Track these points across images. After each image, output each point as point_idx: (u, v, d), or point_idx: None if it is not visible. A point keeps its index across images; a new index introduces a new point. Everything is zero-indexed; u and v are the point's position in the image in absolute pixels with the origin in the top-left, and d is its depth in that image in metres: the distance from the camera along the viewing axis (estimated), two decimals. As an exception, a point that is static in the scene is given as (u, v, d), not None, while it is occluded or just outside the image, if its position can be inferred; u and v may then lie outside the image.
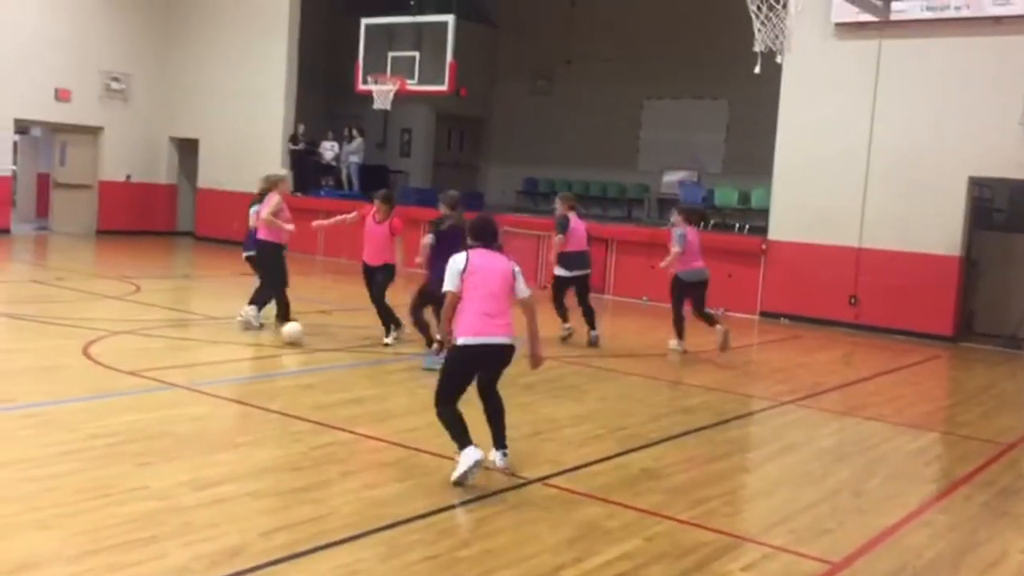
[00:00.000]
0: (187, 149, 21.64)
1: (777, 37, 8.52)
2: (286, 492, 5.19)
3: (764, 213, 15.38)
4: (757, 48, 8.50)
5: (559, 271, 11.08)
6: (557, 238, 11.05)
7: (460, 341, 5.57)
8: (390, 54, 16.07)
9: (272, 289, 10.39)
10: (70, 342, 8.86)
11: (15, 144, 20.03)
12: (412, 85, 15.87)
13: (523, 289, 5.83)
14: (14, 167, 20.13)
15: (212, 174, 20.98)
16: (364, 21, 16.46)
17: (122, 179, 21.03)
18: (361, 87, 16.38)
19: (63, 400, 6.84)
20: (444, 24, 15.38)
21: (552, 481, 5.67)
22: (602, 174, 21.87)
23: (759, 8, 8.48)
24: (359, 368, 8.95)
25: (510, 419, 5.95)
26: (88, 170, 20.74)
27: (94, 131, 20.65)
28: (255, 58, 20.17)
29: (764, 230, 14.96)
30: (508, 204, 21.99)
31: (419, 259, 9.21)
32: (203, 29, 21.05)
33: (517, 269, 5.86)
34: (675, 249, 10.45)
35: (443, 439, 6.35)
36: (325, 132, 21.58)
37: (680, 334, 10.69)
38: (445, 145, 24.13)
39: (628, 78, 21.28)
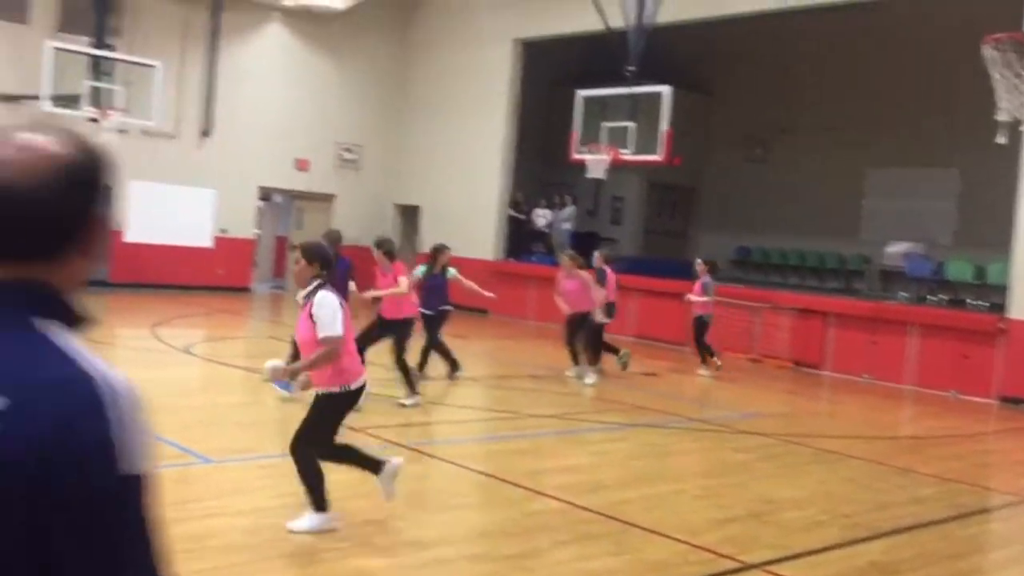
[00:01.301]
0: (409, 215, 22.80)
1: (1023, 105, 7.97)
2: (500, 558, 5.24)
3: (1001, 289, 14.28)
4: (1001, 117, 7.98)
5: (603, 318, 12.27)
6: (601, 292, 12.20)
7: (354, 384, 5.48)
8: (605, 124, 16.31)
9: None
10: (301, 397, 9.41)
11: (258, 209, 21.83)
12: (626, 155, 16.00)
13: None
14: (257, 231, 21.91)
15: (432, 239, 21.91)
16: (580, 93, 16.84)
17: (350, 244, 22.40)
18: (575, 156, 16.71)
19: (295, 452, 7.26)
20: (659, 94, 15.49)
21: (775, 568, 5.41)
22: (819, 244, 21.11)
23: (1002, 75, 7.98)
24: (570, 435, 8.98)
25: (725, 498, 5.77)
26: (321, 234, 22.21)
27: (328, 198, 22.19)
28: (475, 129, 21.08)
29: (1001, 307, 13.88)
30: (720, 274, 21.55)
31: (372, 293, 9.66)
32: (429, 103, 22.26)
33: None
34: (707, 299, 13.27)
35: (656, 514, 6.24)
36: (538, 199, 22.14)
37: (705, 360, 13.29)
38: (656, 213, 24.11)
39: (849, 145, 20.56)
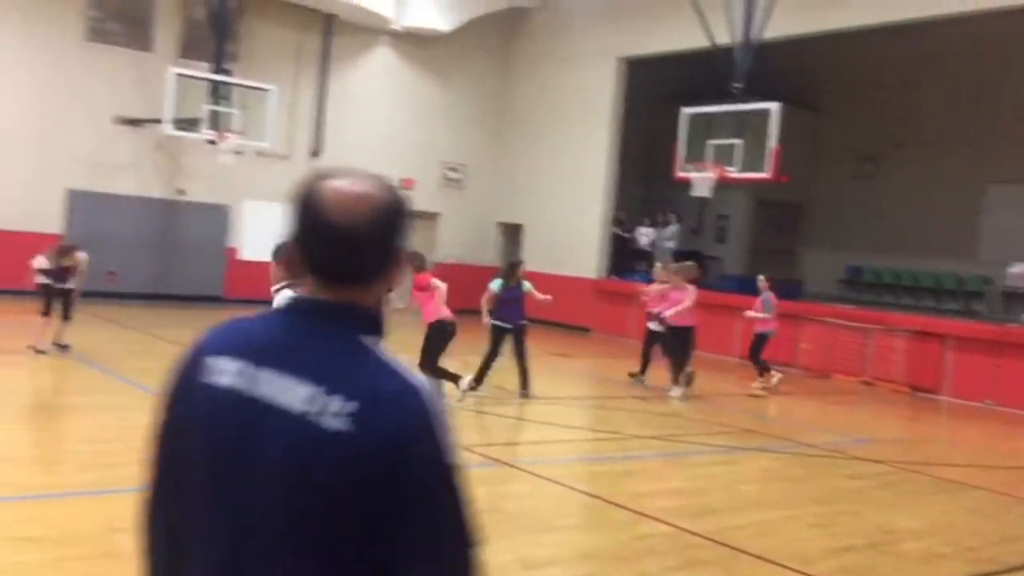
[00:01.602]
0: (512, 233, 22.95)
1: None
2: (609, 581, 5.20)
3: None
4: None
5: (656, 327, 12.68)
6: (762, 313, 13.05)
7: None
8: (710, 142, 16.10)
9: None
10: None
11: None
12: (732, 172, 15.75)
13: None
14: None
15: (535, 257, 22.02)
16: (685, 110, 16.67)
17: (454, 261, 22.71)
18: (680, 174, 16.53)
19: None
20: (767, 111, 15.21)
21: (893, 601, 5.22)
22: (934, 263, 20.34)
23: None
24: (675, 457, 8.86)
25: (840, 527, 5.59)
26: (425, 252, 22.54)
27: (432, 217, 22.52)
28: (578, 148, 21.12)
29: None
30: (829, 293, 21.04)
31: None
32: (532, 122, 22.42)
33: None
34: (765, 315, 13.13)
35: (768, 541, 6.10)
36: (641, 218, 22.00)
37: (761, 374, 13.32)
38: (762, 231, 23.65)
39: (966, 160, 19.79)
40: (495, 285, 11.03)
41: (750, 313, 13.42)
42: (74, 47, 17.77)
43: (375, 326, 1.54)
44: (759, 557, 5.71)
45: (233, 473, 1.43)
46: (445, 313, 10.16)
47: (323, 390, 1.41)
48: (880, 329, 15.39)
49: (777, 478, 8.29)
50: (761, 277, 13.69)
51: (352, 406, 1.39)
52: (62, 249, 11.91)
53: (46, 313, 11.34)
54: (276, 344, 1.49)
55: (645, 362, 13.03)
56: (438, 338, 10.14)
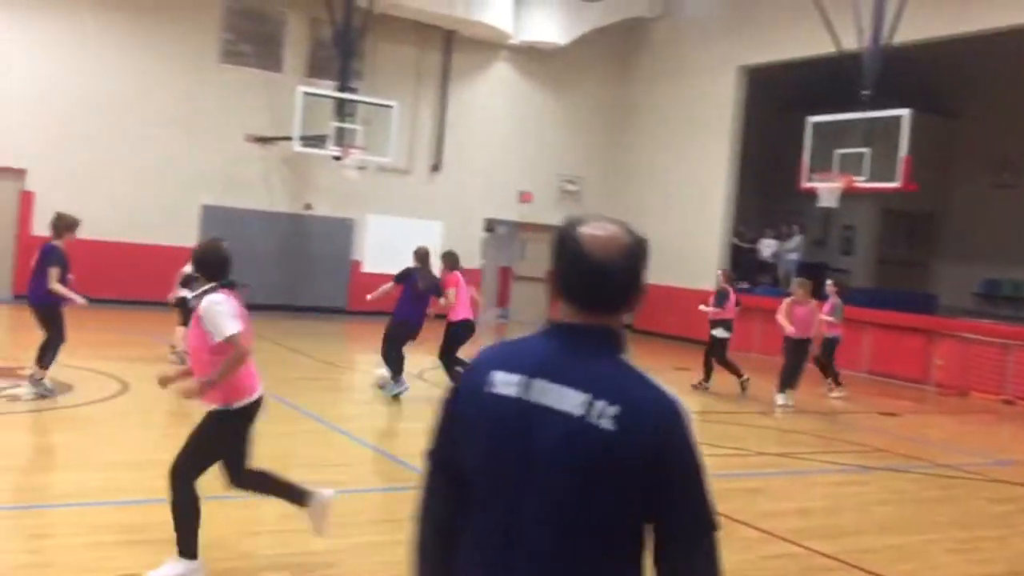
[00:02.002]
0: (630, 246, 22.80)
1: None
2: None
3: None
4: None
5: (722, 333, 13.01)
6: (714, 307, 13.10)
7: (246, 400, 4.84)
8: (837, 151, 15.63)
9: None
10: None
11: (483, 241, 22.55)
12: (860, 182, 15.25)
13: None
14: (482, 261, 22.61)
15: (654, 270, 21.77)
16: (811, 119, 16.23)
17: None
18: (805, 185, 16.10)
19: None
20: (897, 118, 14.67)
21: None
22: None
23: None
24: (802, 476, 8.60)
25: (983, 552, 5.31)
26: (543, 264, 22.55)
27: (550, 229, 22.53)
28: (698, 159, 20.84)
29: None
30: (964, 307, 20.10)
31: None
32: (650, 133, 22.25)
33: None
34: (833, 319, 13.20)
35: (904, 566, 5.86)
36: (762, 229, 21.53)
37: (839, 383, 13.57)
38: (891, 242, 22.81)
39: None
40: None
41: (823, 317, 13.17)
42: (209, 69, 18.62)
43: (623, 344, 1.89)
44: (896, 582, 5.48)
45: (512, 464, 1.80)
46: (468, 314, 10.92)
47: (592, 397, 1.77)
48: (1021, 345, 14.62)
49: (911, 500, 7.95)
50: (829, 282, 13.95)
51: (615, 410, 1.74)
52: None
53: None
54: (548, 360, 1.84)
55: (708, 370, 13.26)
56: (457, 336, 10.85)
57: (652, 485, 1.73)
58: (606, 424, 1.74)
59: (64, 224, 9.16)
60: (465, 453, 1.88)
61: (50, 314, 8.95)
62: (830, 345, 13.57)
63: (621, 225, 1.89)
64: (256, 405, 4.89)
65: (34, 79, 17.16)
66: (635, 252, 1.87)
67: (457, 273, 11.11)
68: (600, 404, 1.75)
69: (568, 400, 1.77)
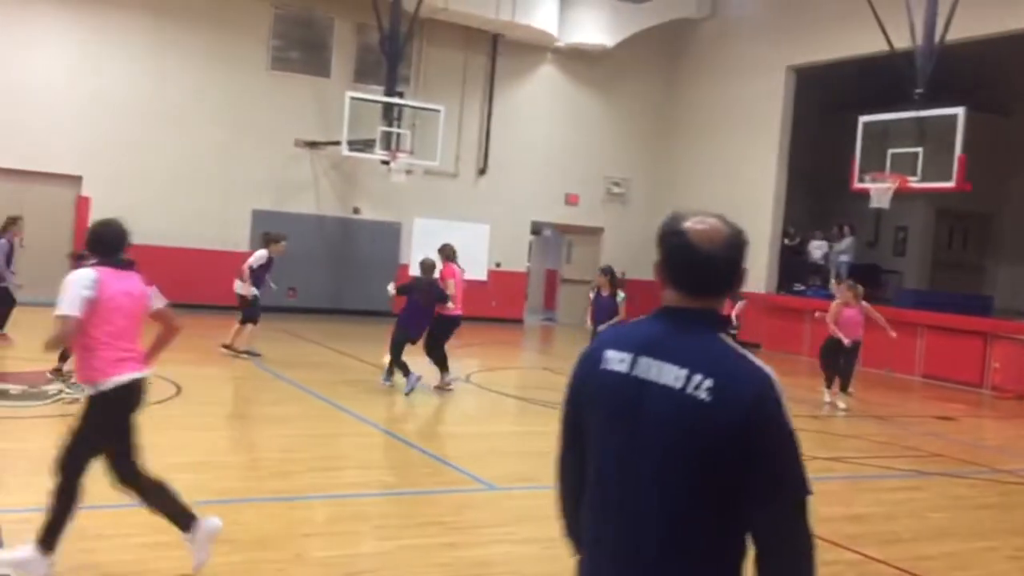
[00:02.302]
0: (677, 248, 22.62)
1: None
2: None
3: None
4: None
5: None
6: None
7: (107, 385, 4.53)
8: (889, 151, 15.37)
9: None
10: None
11: (530, 243, 22.56)
12: (914, 182, 14.97)
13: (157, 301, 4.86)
14: (529, 264, 22.63)
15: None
16: (862, 119, 15.97)
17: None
18: (856, 186, 15.85)
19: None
20: (952, 117, 14.38)
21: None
22: None
23: None
24: (856, 481, 8.46)
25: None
26: (590, 267, 22.59)
27: (596, 231, 22.54)
28: (745, 160, 20.63)
29: None
30: (1020, 309, 19.64)
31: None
32: (697, 135, 22.09)
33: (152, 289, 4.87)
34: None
35: (963, 574, 5.74)
36: (813, 231, 21.26)
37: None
38: (946, 243, 22.38)
39: None
40: (620, 297, 11.97)
41: (820, 314, 13.21)
42: (259, 76, 18.88)
43: (724, 325, 2.15)
44: (955, 591, 5.36)
45: (625, 430, 2.07)
46: (460, 309, 11.36)
47: (690, 371, 2.00)
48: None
49: (970, 506, 7.78)
50: (834, 282, 14.71)
51: (711, 382, 1.97)
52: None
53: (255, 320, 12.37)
54: (653, 340, 2.10)
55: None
56: (447, 331, 11.35)
57: (745, 450, 1.93)
58: (702, 395, 1.97)
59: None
60: (588, 422, 2.19)
61: None
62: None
63: (720, 218, 2.12)
64: (126, 391, 4.57)
65: (90, 88, 17.54)
66: (734, 242, 2.11)
67: (454, 266, 11.47)
68: (697, 377, 1.98)
69: (669, 374, 2.02)
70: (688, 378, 1.99)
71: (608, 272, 12.15)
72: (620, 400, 2.09)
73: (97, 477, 6.37)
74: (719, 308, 2.14)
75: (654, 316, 2.17)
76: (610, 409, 2.12)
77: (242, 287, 12.56)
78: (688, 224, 2.10)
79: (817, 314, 13.60)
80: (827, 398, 12.67)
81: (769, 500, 1.96)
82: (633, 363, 2.09)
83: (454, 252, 11.65)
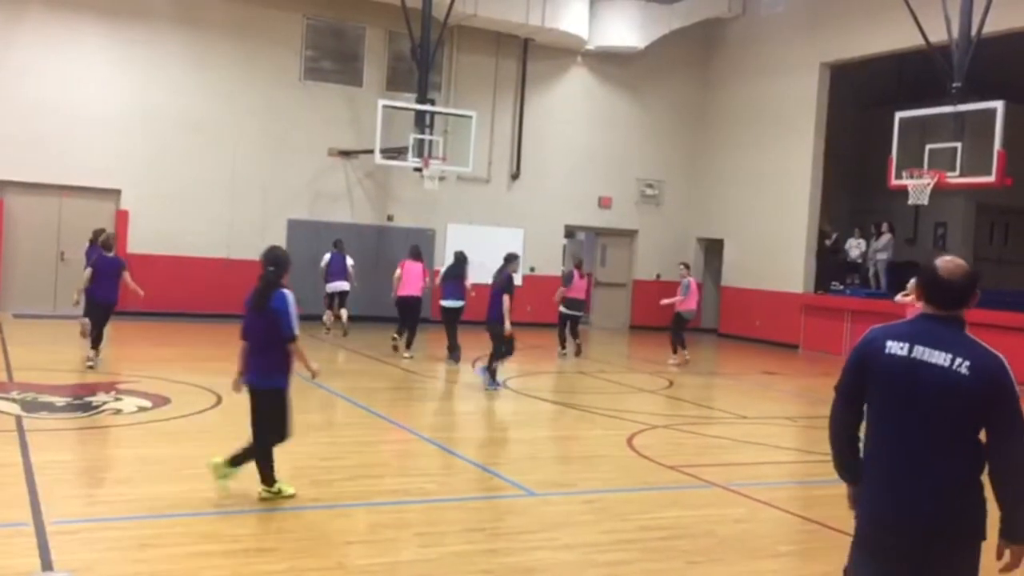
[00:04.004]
0: (712, 249, 22.51)
1: None
2: (838, 613, 4.96)
3: None
4: None
5: (688, 314, 16.07)
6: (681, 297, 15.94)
7: None
8: (927, 146, 15.17)
9: None
10: (614, 432, 9.53)
11: (564, 247, 22.53)
12: (952, 178, 14.77)
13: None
14: (563, 268, 22.57)
15: (736, 273, 21.54)
16: (898, 115, 15.78)
17: (652, 278, 22.49)
18: (894, 182, 15.66)
19: (614, 489, 7.34)
20: (991, 111, 14.16)
21: None
22: None
23: None
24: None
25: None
26: (624, 270, 22.57)
27: (630, 234, 22.47)
28: (781, 159, 20.46)
29: None
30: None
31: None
32: (731, 135, 21.95)
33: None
34: (681, 298, 15.82)
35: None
36: (851, 229, 21.04)
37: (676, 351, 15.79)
38: (987, 239, 22.04)
39: None
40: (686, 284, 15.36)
41: (665, 300, 16.32)
42: (292, 86, 19.07)
43: (965, 325, 3.25)
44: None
45: (905, 392, 3.18)
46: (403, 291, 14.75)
47: (952, 355, 3.13)
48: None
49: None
50: (681, 265, 16.59)
51: (967, 363, 3.10)
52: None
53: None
54: (922, 334, 3.23)
55: (680, 344, 15.73)
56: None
57: (988, 407, 3.10)
58: (963, 371, 3.11)
59: None
60: (871, 389, 3.31)
61: None
62: (680, 320, 15.87)
63: (962, 258, 3.32)
64: None
65: (126, 102, 17.82)
66: (971, 274, 3.26)
67: (406, 261, 15.12)
68: (958, 360, 3.12)
69: (938, 357, 3.16)
70: (952, 360, 3.13)
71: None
72: (900, 374, 3.21)
73: (141, 487, 6.47)
74: (962, 315, 3.25)
75: (919, 319, 3.32)
76: (892, 380, 3.23)
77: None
78: (938, 262, 3.29)
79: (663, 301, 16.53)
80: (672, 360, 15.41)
81: (1004, 433, 3.10)
82: (911, 349, 3.21)
83: (419, 251, 15.46)
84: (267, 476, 6.17)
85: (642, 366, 15.91)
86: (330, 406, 10.36)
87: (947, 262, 3.25)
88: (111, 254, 12.07)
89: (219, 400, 9.81)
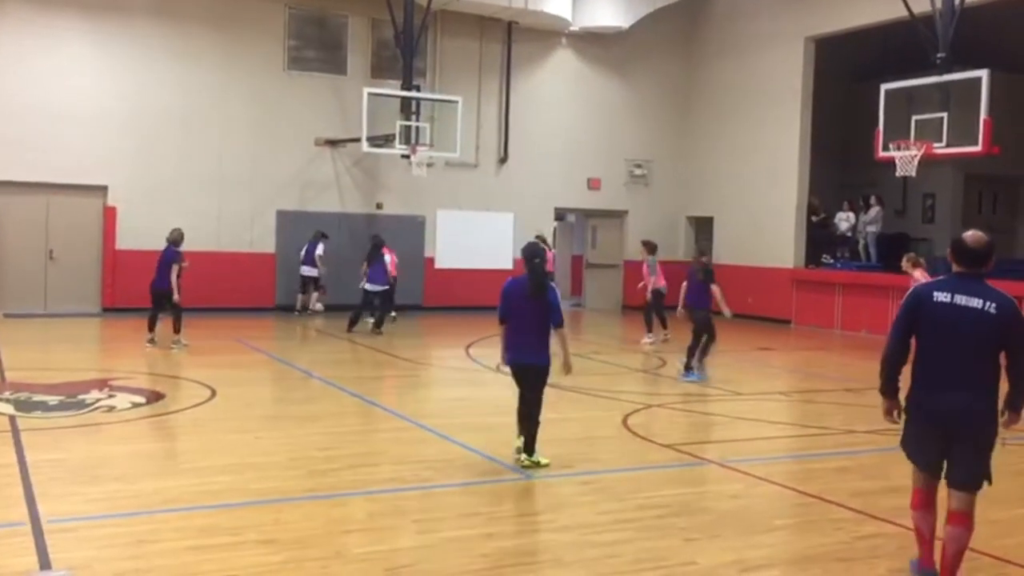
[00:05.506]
0: (703, 227, 22.51)
1: None
2: (835, 585, 5.00)
3: None
4: None
5: (662, 291, 15.76)
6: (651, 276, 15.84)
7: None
8: (913, 117, 15.17)
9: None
10: (610, 413, 9.56)
11: (554, 230, 22.51)
12: (939, 148, 14.77)
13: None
14: (554, 251, 22.56)
15: (727, 250, 21.54)
16: (884, 87, 15.77)
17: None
18: (881, 155, 15.66)
19: (610, 469, 7.36)
20: (976, 80, 14.17)
21: None
22: None
23: None
24: (894, 453, 8.36)
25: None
26: (615, 251, 22.55)
27: (620, 215, 22.46)
28: (768, 135, 20.46)
29: None
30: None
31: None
32: (717, 112, 21.93)
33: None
34: (653, 277, 15.67)
35: (1007, 542, 5.71)
36: (839, 203, 21.06)
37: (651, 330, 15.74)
38: (975, 208, 22.08)
39: None
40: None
41: (642, 285, 15.98)
42: (276, 76, 18.97)
43: (987, 279, 4.70)
44: (1002, 559, 5.34)
45: (950, 329, 4.68)
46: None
47: (984, 300, 4.63)
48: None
49: (1011, 473, 7.68)
50: (641, 242, 16.21)
51: (994, 305, 4.62)
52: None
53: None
54: (959, 287, 4.71)
55: (662, 322, 15.74)
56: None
57: (1009, 335, 4.58)
58: (993, 311, 4.57)
59: None
60: (922, 328, 4.75)
61: None
62: (658, 297, 15.72)
63: (984, 231, 4.79)
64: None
65: (111, 98, 17.70)
66: (989, 242, 4.72)
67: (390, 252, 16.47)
68: (988, 303, 4.58)
69: (975, 302, 4.60)
70: (984, 303, 4.58)
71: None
72: (946, 316, 4.65)
73: (137, 483, 6.47)
74: (985, 272, 4.68)
75: (954, 276, 4.75)
76: (941, 318, 4.67)
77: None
78: (965, 235, 4.78)
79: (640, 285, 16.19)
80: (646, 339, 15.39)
81: (1018, 350, 4.60)
82: (952, 297, 4.65)
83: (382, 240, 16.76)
84: (532, 445, 7.16)
85: (636, 347, 15.93)
86: (324, 397, 10.36)
87: (972, 234, 4.76)
88: (177, 248, 13.12)
89: (213, 393, 9.79)
